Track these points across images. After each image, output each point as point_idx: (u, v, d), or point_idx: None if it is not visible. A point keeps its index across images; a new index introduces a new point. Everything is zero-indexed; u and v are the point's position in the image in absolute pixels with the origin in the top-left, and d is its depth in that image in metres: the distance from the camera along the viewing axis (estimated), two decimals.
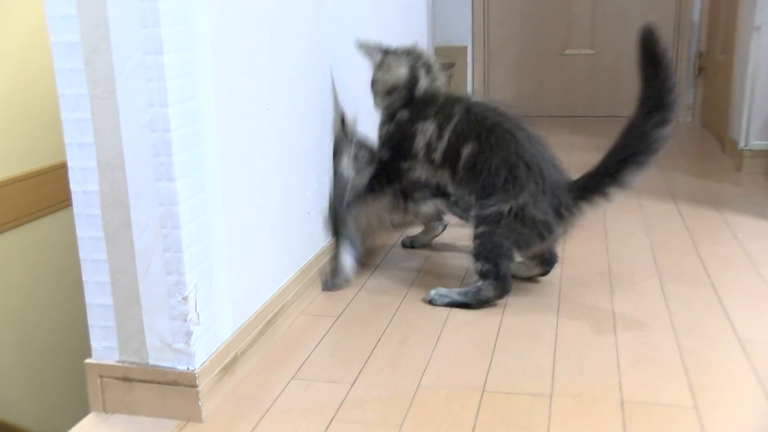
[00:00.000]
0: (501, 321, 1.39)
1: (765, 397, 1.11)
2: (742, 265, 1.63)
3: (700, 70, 3.46)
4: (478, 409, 1.10)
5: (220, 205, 1.14)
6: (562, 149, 2.93)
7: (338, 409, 1.11)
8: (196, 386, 1.07)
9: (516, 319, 1.40)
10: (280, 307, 1.36)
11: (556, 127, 3.44)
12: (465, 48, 3.69)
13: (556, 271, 1.60)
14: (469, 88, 3.74)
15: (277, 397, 1.15)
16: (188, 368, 1.07)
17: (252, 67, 1.24)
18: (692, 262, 1.66)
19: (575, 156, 2.42)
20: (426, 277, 1.63)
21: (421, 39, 2.56)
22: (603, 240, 1.83)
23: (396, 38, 2.23)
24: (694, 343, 1.28)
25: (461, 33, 3.68)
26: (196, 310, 1.08)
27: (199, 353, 1.09)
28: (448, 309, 1.45)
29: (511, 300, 1.48)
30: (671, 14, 3.54)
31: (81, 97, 1.02)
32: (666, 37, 3.54)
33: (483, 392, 1.15)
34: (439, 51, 3.64)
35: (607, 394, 1.13)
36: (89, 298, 1.09)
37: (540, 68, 3.73)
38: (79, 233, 1.07)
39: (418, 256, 1.76)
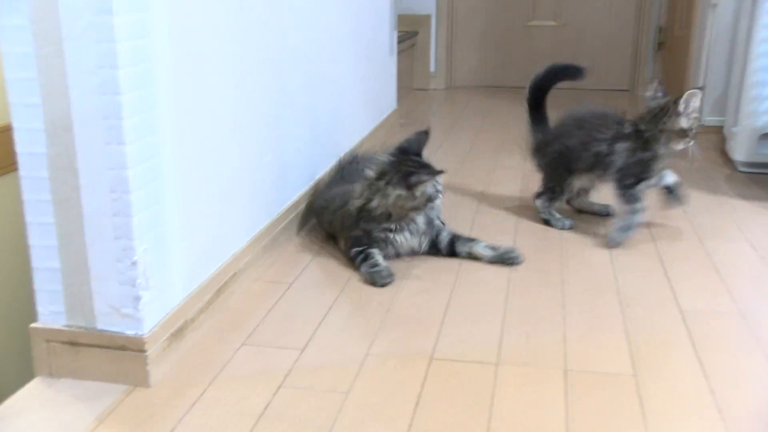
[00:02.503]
0: (452, 291, 1.41)
1: (699, 366, 1.14)
2: (689, 239, 1.67)
3: (661, 45, 3.49)
4: (426, 376, 1.12)
5: (173, 170, 1.14)
6: (521, 120, 2.95)
7: (287, 375, 1.12)
8: (144, 351, 1.07)
9: (467, 289, 1.42)
10: (233, 273, 1.36)
11: (518, 98, 3.45)
12: (429, 17, 3.67)
13: (508, 244, 1.62)
14: (432, 57, 3.73)
15: (226, 363, 1.16)
16: (136, 333, 1.07)
17: (209, 30, 1.23)
18: (642, 234, 1.70)
19: None
20: None
21: (383, 5, 2.54)
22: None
23: (357, 3, 2.21)
24: (639, 314, 1.31)
25: (426, 1, 3.66)
26: (145, 275, 1.07)
27: (148, 318, 1.09)
28: (399, 280, 1.46)
29: (463, 270, 1.50)
30: None
31: (27, 56, 0.99)
32: (628, 11, 3.57)
33: (431, 360, 1.17)
34: (402, 19, 3.61)
35: (552, 363, 1.16)
36: (36, 262, 1.08)
37: (504, 39, 3.73)
38: (25, 196, 1.06)
39: None
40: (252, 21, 1.41)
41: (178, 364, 1.15)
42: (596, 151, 1.67)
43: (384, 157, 1.51)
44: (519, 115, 3.06)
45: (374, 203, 1.47)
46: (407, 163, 1.47)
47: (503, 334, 1.25)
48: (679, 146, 1.62)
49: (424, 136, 1.54)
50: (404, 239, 1.52)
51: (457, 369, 1.14)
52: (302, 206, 1.72)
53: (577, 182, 1.76)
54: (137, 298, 1.06)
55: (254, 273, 1.46)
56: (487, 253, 1.55)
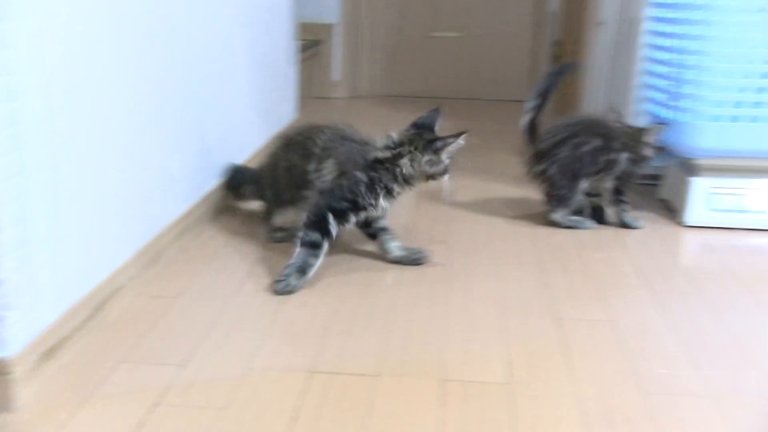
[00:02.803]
0: (336, 303, 1.42)
1: (570, 372, 1.19)
2: (569, 248, 1.73)
3: (557, 58, 3.61)
4: (304, 390, 1.12)
5: (43, 186, 1.10)
6: None
7: (164, 392, 1.11)
8: (8, 374, 1.03)
9: (351, 301, 1.44)
10: (114, 289, 1.33)
11: (420, 109, 3.51)
12: (332, 26, 3.68)
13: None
14: (335, 66, 3.74)
15: (101, 382, 1.13)
16: (1, 355, 1.04)
17: (85, 37, 1.20)
18: (526, 245, 1.75)
19: None
20: (266, 264, 1.63)
21: (282, 13, 2.54)
22: (444, 223, 1.89)
23: (254, 11, 2.20)
24: (518, 322, 1.35)
25: (329, 10, 3.67)
26: (12, 294, 1.04)
27: (15, 339, 1.05)
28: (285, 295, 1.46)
29: (343, 282, 1.51)
30: (532, 3, 3.67)
31: None
32: (527, 25, 3.68)
33: (311, 373, 1.17)
34: (305, 27, 3.61)
35: (431, 373, 1.18)
36: None
37: (407, 49, 3.78)
38: None
39: (262, 243, 1.77)
40: (136, 30, 1.39)
41: (49, 385, 1.12)
42: (609, 158, 1.82)
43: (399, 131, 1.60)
44: None
45: (403, 161, 1.54)
46: (427, 134, 1.58)
47: (385, 346, 1.26)
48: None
49: (436, 113, 1.64)
50: (383, 207, 1.56)
51: (336, 382, 1.15)
52: (191, 218, 1.70)
53: (584, 186, 1.86)
54: (2, 319, 1.03)
55: (137, 288, 1.43)
56: (396, 252, 1.61)
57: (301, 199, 1.60)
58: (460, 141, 1.55)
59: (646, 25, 2.07)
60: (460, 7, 3.72)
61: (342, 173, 1.54)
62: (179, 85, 1.63)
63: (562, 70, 1.96)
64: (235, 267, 1.58)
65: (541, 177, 1.88)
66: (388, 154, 1.55)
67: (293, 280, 1.46)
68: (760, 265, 1.66)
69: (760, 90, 1.77)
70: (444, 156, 1.55)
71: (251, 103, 2.23)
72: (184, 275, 1.53)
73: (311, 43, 3.52)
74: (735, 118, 1.80)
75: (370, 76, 3.82)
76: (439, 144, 1.54)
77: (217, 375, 1.16)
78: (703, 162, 1.88)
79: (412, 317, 1.37)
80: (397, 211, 1.72)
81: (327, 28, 3.69)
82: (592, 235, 1.83)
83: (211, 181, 1.84)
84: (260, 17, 2.29)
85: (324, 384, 1.14)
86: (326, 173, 1.56)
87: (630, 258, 1.68)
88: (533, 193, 1.95)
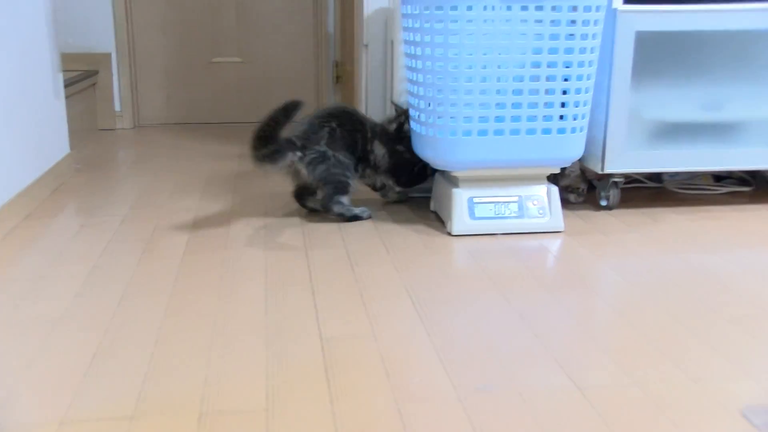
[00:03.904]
0: (99, 341, 1.37)
1: (328, 391, 1.22)
2: (341, 266, 1.78)
3: (338, 79, 3.71)
4: None
5: None
6: (208, 157, 2.97)
7: None
8: None
9: (113, 337, 1.39)
10: None
11: (206, 135, 3.47)
12: (108, 55, 3.56)
13: (164, 284, 1.61)
14: (116, 96, 3.62)
15: None
16: None
17: None
18: (300, 266, 1.78)
19: (218, 164, 2.46)
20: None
21: (42, 45, 2.42)
22: (222, 250, 1.88)
23: (9, 42, 2.08)
24: (281, 347, 1.37)
25: (103, 39, 3.55)
26: None
27: None
28: (52, 330, 1.39)
29: (107, 321, 1.47)
30: (310, 25, 3.75)
31: None
32: (308, 47, 3.75)
33: (61, 423, 1.12)
34: (78, 58, 3.47)
35: (189, 408, 1.17)
36: None
37: (189, 76, 3.73)
38: None
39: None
40: None
41: None
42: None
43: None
44: (204, 151, 3.08)
45: (407, 127, 2.15)
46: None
47: (144, 385, 1.23)
48: None
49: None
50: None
51: (89, 429, 1.11)
52: None
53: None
54: None
55: None
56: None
57: None
58: None
59: (402, 48, 2.18)
60: (240, 32, 3.72)
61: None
62: None
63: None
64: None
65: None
66: (395, 125, 2.19)
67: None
68: (514, 267, 1.79)
69: (500, 106, 1.92)
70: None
71: (11, 139, 2.10)
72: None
73: (86, 74, 3.38)
74: (483, 132, 1.93)
75: (153, 105, 3.73)
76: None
77: None
78: (460, 174, 2.00)
79: (176, 352, 1.35)
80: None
81: (104, 57, 3.56)
82: (361, 249, 1.89)
83: None
84: (16, 49, 2.17)
85: None
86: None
87: (397, 270, 1.75)
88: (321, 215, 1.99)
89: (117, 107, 3.64)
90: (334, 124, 2.13)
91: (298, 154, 2.09)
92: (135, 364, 1.31)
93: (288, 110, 2.03)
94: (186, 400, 1.19)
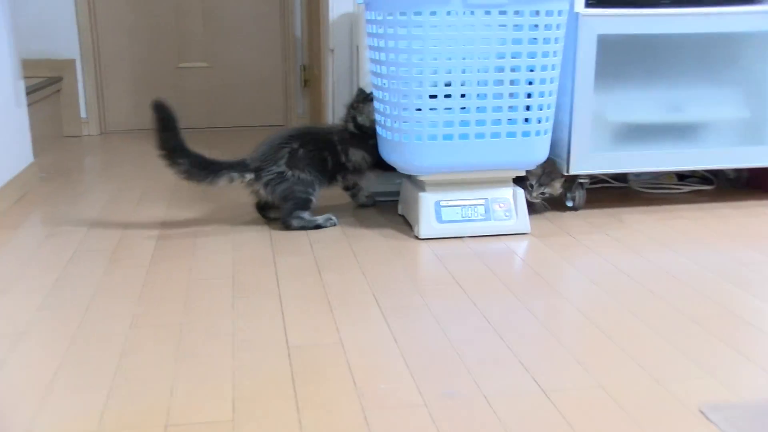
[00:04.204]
0: (58, 356, 1.36)
1: (294, 400, 1.22)
2: (309, 273, 1.78)
3: (306, 82, 3.71)
4: None
5: None
6: None
7: None
8: None
9: (78, 355, 1.38)
10: None
11: None
12: (73, 61, 3.52)
13: (130, 294, 1.60)
14: (81, 102, 3.58)
15: None
16: None
17: None
18: (268, 274, 1.78)
19: None
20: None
21: (1, 51, 2.39)
22: (189, 259, 1.88)
23: None
24: (248, 356, 1.37)
25: (66, 45, 3.51)
26: None
27: None
28: (8, 351, 1.38)
29: (71, 334, 1.45)
30: (278, 29, 3.74)
31: None
32: (276, 51, 3.74)
33: None
34: (42, 64, 3.44)
35: (155, 421, 1.16)
36: None
37: (156, 82, 3.70)
38: None
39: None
40: None
41: None
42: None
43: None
44: None
45: (360, 119, 2.17)
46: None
47: (109, 398, 1.23)
48: None
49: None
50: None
51: None
52: None
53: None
54: None
55: None
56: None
57: None
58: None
59: (366, 53, 2.19)
60: (207, 37, 3.71)
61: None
62: None
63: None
64: None
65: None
66: (348, 123, 2.20)
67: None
68: (481, 270, 1.80)
69: (465, 110, 1.93)
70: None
71: None
72: None
73: (50, 80, 3.34)
74: (448, 137, 1.95)
75: (120, 111, 3.70)
76: (370, 92, 2.10)
77: None
78: (427, 178, 2.01)
79: (140, 364, 1.34)
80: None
81: (69, 63, 3.53)
82: (328, 255, 1.89)
83: None
84: None
85: None
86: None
87: (365, 275, 1.76)
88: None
89: (83, 114, 3.60)
90: (295, 145, 2.12)
91: (250, 175, 2.09)
92: (100, 376, 1.30)
93: (163, 117, 2.01)
94: (152, 412, 1.19)
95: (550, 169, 2.19)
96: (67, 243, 2.00)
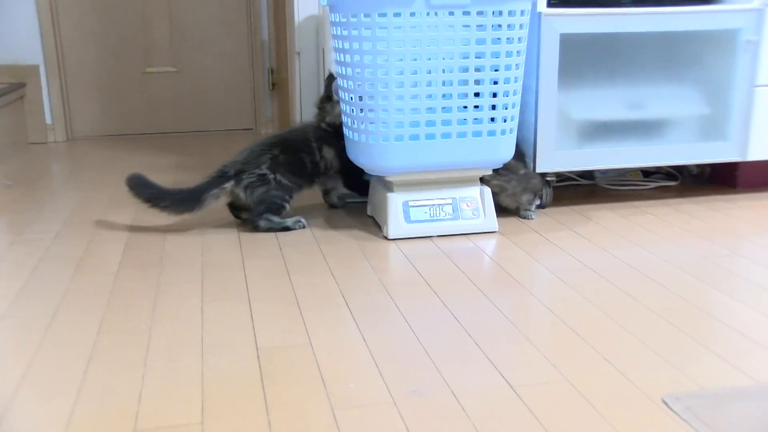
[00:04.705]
0: (24, 363, 1.35)
1: (264, 401, 1.22)
2: (278, 275, 1.79)
3: (274, 86, 3.70)
4: None
5: None
6: (144, 169, 2.93)
7: None
8: None
9: (42, 357, 1.37)
10: None
11: (141, 147, 3.43)
12: (36, 67, 3.49)
13: (98, 301, 1.59)
14: (46, 109, 3.55)
15: None
16: None
17: None
18: (237, 277, 1.77)
19: (154, 176, 2.41)
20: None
21: None
22: (158, 265, 1.87)
23: None
24: (217, 359, 1.37)
25: (30, 51, 3.47)
26: None
27: None
28: None
29: (37, 341, 1.44)
30: (245, 33, 3.73)
31: None
32: (243, 55, 3.73)
33: None
34: (3, 71, 3.40)
35: (123, 426, 1.16)
36: None
37: (122, 87, 3.68)
38: None
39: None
40: None
41: None
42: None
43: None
44: (140, 163, 3.04)
45: (328, 119, 2.20)
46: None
47: (76, 404, 1.22)
48: None
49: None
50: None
51: None
52: None
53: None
54: None
55: None
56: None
57: None
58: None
59: (331, 55, 2.19)
60: (174, 41, 3.68)
61: None
62: None
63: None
64: None
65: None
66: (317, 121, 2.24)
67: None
68: (449, 269, 1.81)
69: (430, 110, 1.95)
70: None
71: None
72: None
73: (13, 87, 3.30)
74: (415, 137, 1.96)
75: (86, 117, 3.67)
76: (333, 86, 2.14)
77: None
78: (394, 179, 2.02)
79: (109, 370, 1.33)
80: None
81: (32, 69, 3.49)
82: (298, 257, 1.89)
83: None
84: None
85: None
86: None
87: (334, 276, 1.76)
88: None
89: (48, 120, 3.56)
90: (276, 152, 2.14)
91: (230, 183, 2.11)
92: (67, 383, 1.29)
93: (135, 184, 2.09)
94: (120, 417, 1.18)
95: (532, 186, 2.22)
96: (33, 250, 1.98)
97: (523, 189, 2.20)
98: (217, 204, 2.20)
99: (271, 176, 2.10)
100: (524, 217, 2.22)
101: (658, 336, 1.44)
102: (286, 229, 2.12)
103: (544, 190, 2.28)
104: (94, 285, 1.73)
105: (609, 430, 1.13)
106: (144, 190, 2.08)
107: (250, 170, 2.10)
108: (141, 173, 2.11)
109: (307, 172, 2.18)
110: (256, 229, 2.11)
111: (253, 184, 2.09)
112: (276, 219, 2.11)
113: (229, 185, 2.11)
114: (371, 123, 1.95)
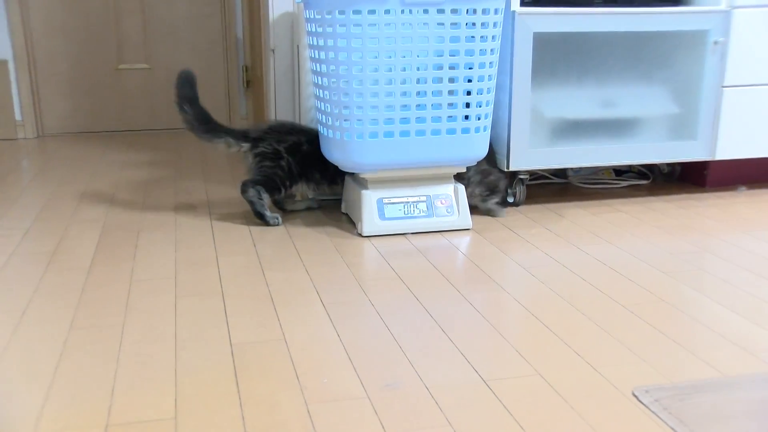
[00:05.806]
0: None
1: (237, 396, 1.22)
2: (252, 271, 1.78)
3: (249, 83, 3.69)
4: None
5: None
6: (116, 165, 2.91)
7: None
8: None
9: (12, 354, 1.36)
10: None
11: (113, 143, 3.40)
12: (5, 62, 3.44)
13: (69, 297, 1.58)
14: (16, 104, 3.50)
15: None
16: None
17: None
18: (211, 273, 1.77)
19: (126, 172, 2.41)
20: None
21: None
22: (131, 261, 1.86)
23: None
24: (190, 355, 1.36)
25: None
26: None
27: None
28: None
29: (7, 338, 1.43)
30: (218, 30, 3.71)
31: None
32: (217, 52, 3.71)
33: None
34: None
35: (95, 422, 1.15)
36: None
37: (94, 84, 3.64)
38: None
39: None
40: None
41: None
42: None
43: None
44: (111, 159, 3.02)
45: None
46: None
47: (47, 400, 1.21)
48: None
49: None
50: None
51: None
52: None
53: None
54: None
55: None
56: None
57: None
58: None
59: (306, 52, 2.20)
60: (146, 38, 3.66)
61: None
62: None
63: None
64: None
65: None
66: None
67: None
68: (423, 265, 1.82)
69: (404, 107, 1.96)
70: None
71: None
72: None
73: None
74: (389, 134, 1.97)
75: (57, 113, 3.63)
76: None
77: None
78: (369, 176, 2.03)
79: (80, 366, 1.32)
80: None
81: (1, 64, 3.44)
82: (272, 254, 1.89)
83: None
84: None
85: None
86: None
87: (309, 273, 1.76)
88: (230, 221, 1.98)
89: (18, 116, 3.52)
90: (302, 139, 2.16)
91: (247, 144, 2.15)
92: (37, 379, 1.28)
93: (185, 78, 2.16)
94: (92, 412, 1.18)
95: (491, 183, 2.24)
96: (3, 247, 1.96)
97: (478, 182, 2.21)
98: (193, 200, 2.19)
99: (285, 156, 2.12)
100: (492, 215, 2.23)
101: (627, 330, 1.46)
102: (262, 217, 2.12)
103: (506, 190, 2.29)
104: (66, 281, 1.72)
105: (580, 423, 1.14)
106: (184, 88, 2.13)
107: (270, 142, 2.13)
108: (195, 75, 2.19)
109: (322, 173, 2.20)
110: (242, 192, 2.13)
111: (264, 154, 2.13)
112: (265, 198, 2.12)
113: (245, 146, 2.15)
114: (346, 120, 1.96)
